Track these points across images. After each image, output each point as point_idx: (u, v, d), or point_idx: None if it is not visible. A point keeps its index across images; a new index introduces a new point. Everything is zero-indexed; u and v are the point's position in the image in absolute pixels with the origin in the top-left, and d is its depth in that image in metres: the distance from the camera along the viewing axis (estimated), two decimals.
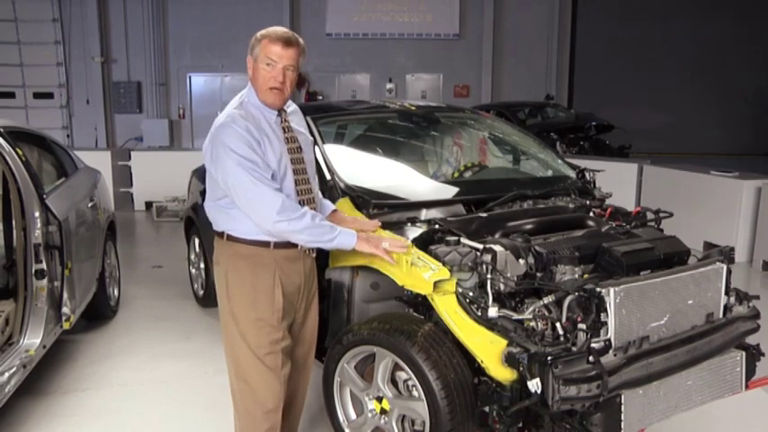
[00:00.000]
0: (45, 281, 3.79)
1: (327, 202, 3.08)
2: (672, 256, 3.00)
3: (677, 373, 2.74)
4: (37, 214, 3.79)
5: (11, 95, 16.37)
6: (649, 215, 3.54)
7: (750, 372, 3.03)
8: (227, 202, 2.68)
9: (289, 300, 2.76)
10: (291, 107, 2.86)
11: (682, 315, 2.83)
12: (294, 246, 2.72)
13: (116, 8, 16.66)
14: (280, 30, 2.68)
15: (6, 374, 3.39)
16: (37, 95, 16.57)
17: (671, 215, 3.54)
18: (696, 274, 2.89)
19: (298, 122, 2.87)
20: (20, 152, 3.96)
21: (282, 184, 2.67)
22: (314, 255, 2.87)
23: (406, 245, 2.84)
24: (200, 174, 5.79)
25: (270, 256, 2.69)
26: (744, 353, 3.00)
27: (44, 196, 3.91)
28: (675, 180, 8.47)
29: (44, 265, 3.79)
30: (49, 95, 16.67)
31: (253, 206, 2.58)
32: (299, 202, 2.72)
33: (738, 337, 2.98)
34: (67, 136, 16.66)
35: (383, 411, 3.00)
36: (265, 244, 2.68)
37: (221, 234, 2.78)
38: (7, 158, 3.81)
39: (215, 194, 2.74)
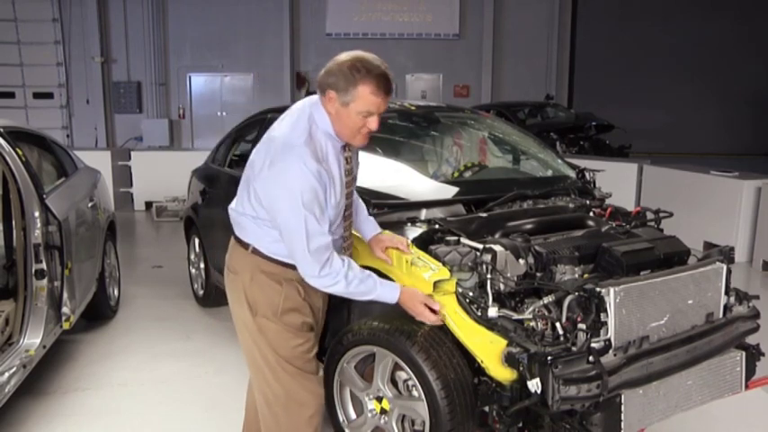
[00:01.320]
0: (45, 281, 3.79)
1: (369, 227, 2.94)
2: (672, 256, 3.00)
3: (677, 372, 2.74)
4: (37, 214, 3.79)
5: (11, 95, 16.38)
6: (649, 215, 3.54)
7: (750, 372, 3.03)
8: (267, 223, 2.51)
9: (314, 313, 2.73)
10: None
11: (682, 315, 2.83)
12: None
13: (116, 8, 16.67)
14: (381, 71, 2.35)
15: (6, 374, 3.39)
16: (37, 95, 16.58)
17: (671, 215, 3.54)
18: (696, 274, 2.89)
19: (355, 153, 2.69)
20: (20, 152, 3.96)
21: (335, 223, 2.56)
22: None
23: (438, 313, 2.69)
24: (200, 174, 5.80)
25: (294, 275, 2.57)
26: (744, 353, 3.00)
27: (44, 196, 3.91)
28: (675, 180, 8.48)
29: (44, 265, 3.78)
30: (49, 95, 16.68)
31: (297, 257, 2.45)
32: (342, 238, 2.66)
33: (738, 336, 2.98)
34: (67, 136, 16.67)
35: (383, 411, 2.99)
36: (291, 266, 2.56)
37: (245, 245, 2.62)
38: (7, 158, 3.81)
39: (254, 209, 2.53)
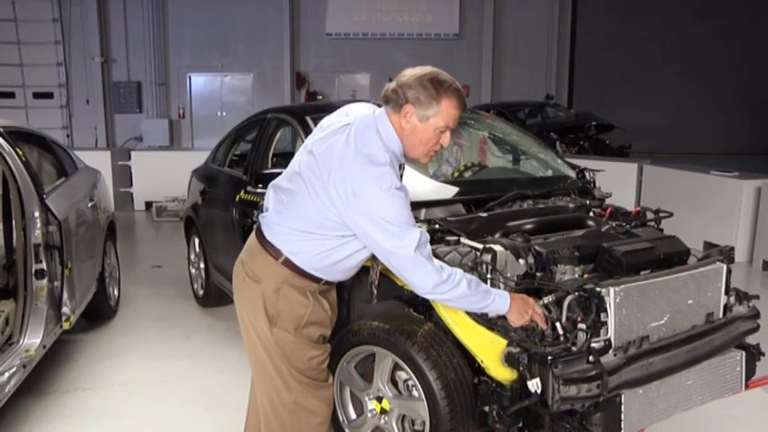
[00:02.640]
0: (45, 281, 3.79)
1: None
2: (672, 256, 3.00)
3: (677, 372, 2.73)
4: (37, 214, 3.79)
5: (11, 95, 16.36)
6: (649, 215, 3.54)
7: (750, 371, 3.03)
8: (318, 237, 2.45)
9: (332, 326, 2.74)
10: None
11: (682, 315, 2.83)
12: (334, 282, 2.69)
13: (116, 8, 16.65)
14: (458, 86, 2.35)
15: (6, 374, 3.39)
16: (37, 95, 16.56)
17: (671, 215, 3.53)
18: (696, 274, 2.88)
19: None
20: (20, 152, 3.96)
21: None
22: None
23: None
24: (200, 174, 5.80)
25: (315, 289, 2.59)
26: (744, 353, 2.99)
27: (44, 196, 3.91)
28: (675, 180, 8.48)
29: (44, 265, 3.78)
30: (49, 95, 16.66)
31: (409, 279, 2.41)
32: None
33: (738, 336, 2.98)
34: (67, 136, 16.65)
35: (383, 411, 2.99)
36: (317, 280, 2.58)
37: (277, 255, 2.53)
38: (7, 158, 3.81)
39: (304, 225, 2.45)
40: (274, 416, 2.70)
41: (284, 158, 4.49)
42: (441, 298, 2.49)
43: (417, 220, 3.23)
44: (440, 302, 2.60)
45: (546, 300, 2.70)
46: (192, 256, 5.83)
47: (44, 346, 3.80)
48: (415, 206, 3.36)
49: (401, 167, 2.52)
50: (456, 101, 2.32)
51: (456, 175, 4.24)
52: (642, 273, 2.83)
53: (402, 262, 2.36)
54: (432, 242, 2.96)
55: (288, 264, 2.52)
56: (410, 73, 2.35)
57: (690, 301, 2.85)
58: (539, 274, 2.83)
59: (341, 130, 2.44)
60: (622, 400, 2.60)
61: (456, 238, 2.99)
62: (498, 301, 2.51)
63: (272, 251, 2.54)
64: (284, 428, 2.69)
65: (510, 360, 2.55)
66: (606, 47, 19.55)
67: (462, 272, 2.47)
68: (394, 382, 2.95)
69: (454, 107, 2.33)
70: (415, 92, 2.30)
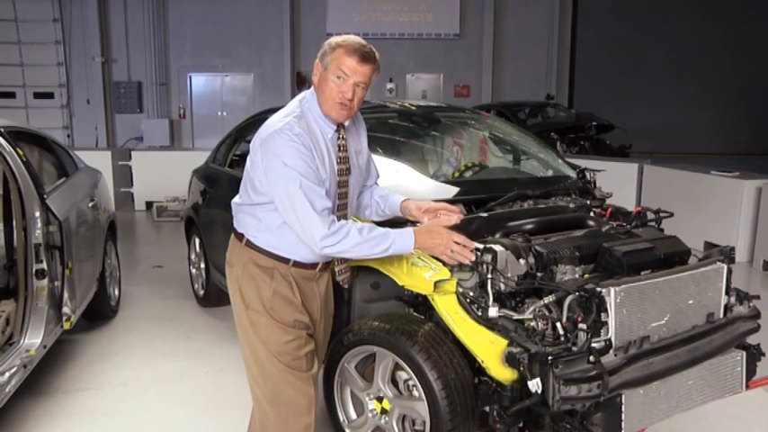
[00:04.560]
0: (45, 281, 3.79)
1: (394, 197, 2.88)
2: (672, 256, 2.99)
3: (678, 372, 2.73)
4: (37, 214, 3.79)
5: (11, 95, 16.39)
6: (650, 215, 3.53)
7: (751, 372, 3.02)
8: (260, 209, 2.56)
9: (308, 313, 2.69)
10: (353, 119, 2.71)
11: (682, 315, 2.82)
12: (312, 267, 2.66)
13: (116, 8, 16.68)
14: (357, 41, 2.49)
15: (7, 374, 3.39)
16: (37, 95, 16.59)
17: (671, 215, 3.53)
18: (697, 274, 2.88)
19: (357, 131, 2.77)
20: (20, 152, 3.96)
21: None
22: (328, 275, 2.80)
23: (472, 249, 2.66)
24: (200, 174, 5.80)
25: (286, 270, 2.59)
26: (744, 353, 2.99)
27: (45, 196, 3.91)
28: (676, 180, 8.48)
29: (44, 265, 3.78)
30: (50, 95, 16.69)
31: (300, 229, 2.45)
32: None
33: (739, 336, 2.98)
34: (68, 136, 16.68)
35: (384, 411, 2.99)
36: (284, 260, 2.59)
37: (240, 236, 2.66)
38: (8, 158, 3.81)
39: (250, 198, 2.59)
40: (258, 407, 2.71)
41: None
42: (334, 251, 2.48)
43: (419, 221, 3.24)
44: (336, 255, 2.58)
45: (546, 300, 2.70)
46: (193, 256, 5.83)
47: (45, 346, 3.79)
48: None
49: (340, 135, 2.60)
50: (349, 49, 2.44)
51: (456, 174, 4.24)
52: (643, 273, 2.83)
53: (297, 210, 2.42)
54: None
55: (250, 244, 2.61)
56: None
57: (690, 302, 2.85)
58: (539, 274, 2.82)
59: None
60: (623, 401, 2.60)
61: None
62: (400, 240, 2.53)
63: (237, 235, 2.68)
64: (267, 419, 2.68)
65: (510, 360, 2.55)
66: (607, 47, 19.57)
67: (353, 221, 2.52)
68: (394, 382, 2.96)
69: (346, 54, 2.43)
70: (323, 50, 2.50)
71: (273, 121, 2.51)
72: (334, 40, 2.50)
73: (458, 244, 2.61)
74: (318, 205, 2.41)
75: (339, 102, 2.48)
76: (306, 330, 2.67)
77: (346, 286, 3.02)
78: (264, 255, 2.58)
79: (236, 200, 2.72)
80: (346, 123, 2.63)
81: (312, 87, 2.59)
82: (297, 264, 2.61)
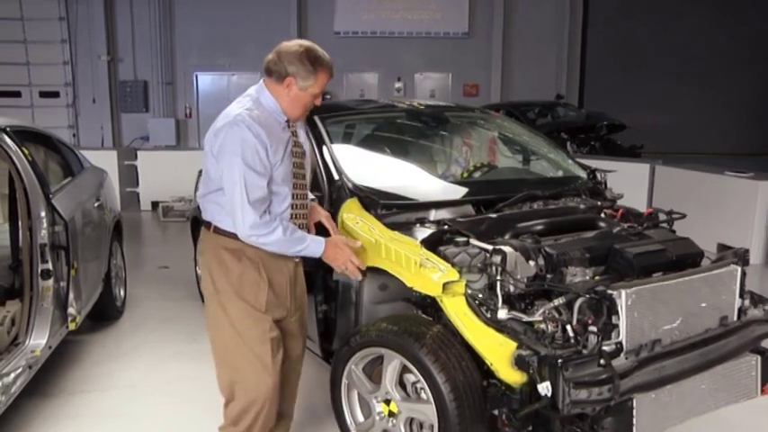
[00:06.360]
0: (51, 281, 3.77)
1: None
2: (685, 258, 2.97)
3: (690, 376, 2.70)
4: (43, 214, 3.77)
5: (17, 94, 16.39)
6: (662, 216, 3.50)
7: (766, 376, 2.99)
8: (219, 195, 2.69)
9: (276, 294, 2.79)
10: None
11: (695, 318, 2.79)
12: None
13: (123, 7, 16.68)
14: (328, 58, 2.76)
15: (12, 375, 3.37)
16: (43, 94, 16.59)
17: (684, 216, 3.50)
18: (709, 277, 2.85)
19: (301, 124, 2.93)
20: (26, 151, 3.95)
21: (281, 192, 2.72)
22: (297, 259, 2.89)
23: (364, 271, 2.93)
24: None
25: (254, 252, 2.71)
26: (759, 357, 2.95)
27: (50, 196, 3.90)
28: (688, 181, 8.38)
29: (50, 266, 3.77)
30: (56, 94, 16.69)
31: (234, 213, 2.61)
32: (293, 216, 2.79)
33: (753, 340, 2.94)
34: (73, 135, 16.67)
35: (391, 414, 2.97)
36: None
37: (208, 225, 2.80)
38: (14, 158, 3.80)
39: (208, 187, 2.76)
40: (222, 388, 2.88)
41: None
42: (259, 241, 2.64)
43: (427, 221, 3.21)
44: (257, 245, 2.66)
45: (556, 302, 2.67)
46: (199, 257, 5.81)
47: (50, 347, 3.78)
48: (424, 207, 3.35)
49: (289, 125, 2.79)
50: (328, 72, 2.73)
51: (465, 175, 4.22)
52: (654, 275, 2.81)
53: (234, 196, 2.58)
54: (441, 243, 2.95)
55: (217, 230, 2.76)
56: (287, 48, 2.69)
57: (703, 304, 2.81)
58: (549, 276, 2.80)
59: None
60: (634, 405, 2.57)
61: (465, 239, 2.97)
62: (313, 245, 2.76)
63: (206, 224, 2.83)
64: (226, 398, 2.89)
65: (520, 363, 2.52)
66: (617, 46, 19.46)
67: (280, 221, 2.68)
68: (402, 384, 2.93)
69: (326, 75, 2.72)
70: (296, 67, 2.66)
71: (227, 113, 2.67)
72: (306, 57, 2.66)
73: (353, 264, 2.83)
74: (254, 196, 2.58)
75: (309, 109, 2.79)
76: (275, 314, 2.79)
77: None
78: (231, 237, 2.70)
79: (199, 192, 2.87)
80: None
81: (263, 82, 2.74)
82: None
